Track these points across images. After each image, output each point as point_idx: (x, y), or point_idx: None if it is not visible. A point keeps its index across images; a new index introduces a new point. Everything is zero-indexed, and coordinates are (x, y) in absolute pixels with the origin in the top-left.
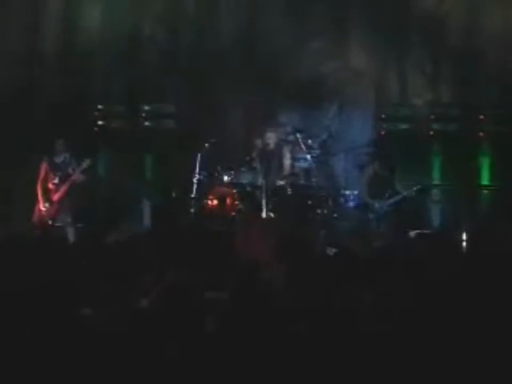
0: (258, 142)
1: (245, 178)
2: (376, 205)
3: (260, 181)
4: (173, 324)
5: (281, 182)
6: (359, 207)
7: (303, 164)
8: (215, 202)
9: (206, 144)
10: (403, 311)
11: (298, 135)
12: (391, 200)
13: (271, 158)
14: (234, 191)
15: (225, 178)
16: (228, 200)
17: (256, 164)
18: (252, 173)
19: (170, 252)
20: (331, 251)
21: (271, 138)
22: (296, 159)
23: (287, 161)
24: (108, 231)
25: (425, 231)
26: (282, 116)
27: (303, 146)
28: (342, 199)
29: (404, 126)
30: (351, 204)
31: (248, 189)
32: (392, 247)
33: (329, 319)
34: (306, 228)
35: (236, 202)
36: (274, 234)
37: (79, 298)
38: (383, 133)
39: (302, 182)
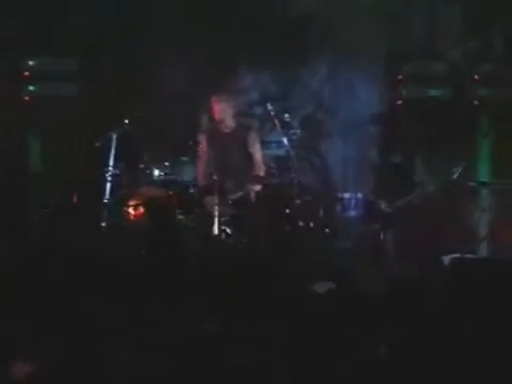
0: (207, 118)
1: (187, 174)
2: (389, 210)
3: (210, 177)
4: None
5: (244, 180)
6: (365, 216)
7: (276, 152)
8: (138, 211)
9: (126, 121)
10: None
11: (269, 107)
12: (406, 199)
13: (227, 143)
14: (170, 192)
15: (156, 173)
16: (159, 208)
17: (205, 152)
18: (192, 166)
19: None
20: (323, 288)
21: (227, 112)
22: (267, 144)
23: (252, 148)
24: None
25: (469, 256)
26: (244, 77)
27: (277, 124)
28: (338, 206)
29: (433, 92)
30: (352, 212)
31: (191, 190)
32: (418, 283)
33: None
34: (283, 251)
35: (172, 211)
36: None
37: None
38: (399, 102)
39: (276, 179)
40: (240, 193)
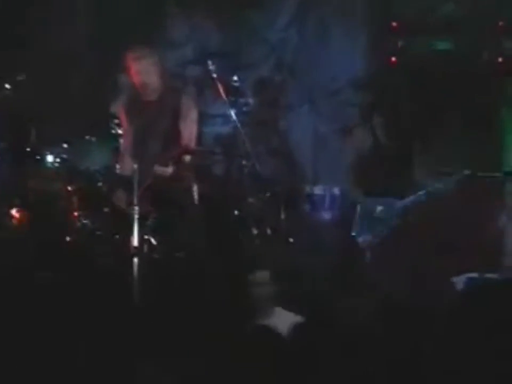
0: (124, 81)
1: (94, 161)
2: (379, 208)
3: (128, 165)
4: None
5: (176, 169)
6: (343, 219)
7: (220, 129)
8: (21, 213)
9: (7, 86)
10: None
11: (210, 66)
12: (409, 200)
13: (151, 116)
14: (70, 187)
15: (49, 159)
16: (52, 209)
17: (121, 128)
18: (108, 148)
19: None
20: (284, 322)
21: (150, 72)
22: (207, 117)
23: (184, 121)
24: None
25: (490, 275)
26: (175, 23)
27: (221, 90)
28: (306, 206)
29: (439, 45)
30: (326, 214)
31: (100, 183)
32: (417, 316)
33: None
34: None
35: (74, 211)
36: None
37: None
38: (392, 60)
39: (220, 168)
40: (170, 187)
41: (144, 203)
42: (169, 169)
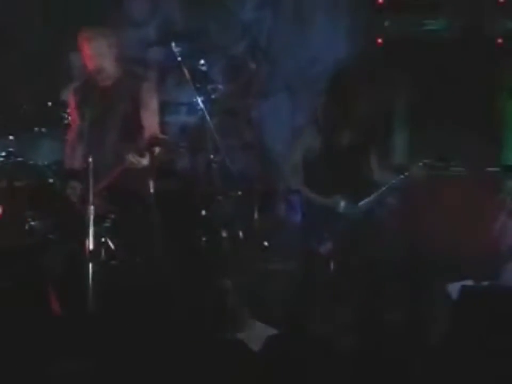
0: (76, 65)
1: (45, 154)
2: (342, 204)
3: (83, 158)
4: None
5: (137, 158)
6: (320, 221)
7: (186, 119)
8: None
9: None
10: None
11: (174, 49)
12: (370, 199)
13: (107, 103)
14: (17, 183)
15: None
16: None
17: (74, 119)
18: (60, 140)
19: None
20: (259, 331)
21: (106, 54)
22: (171, 106)
23: (145, 109)
24: None
25: (487, 283)
26: None
27: (187, 75)
28: (282, 205)
29: (432, 24)
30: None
31: (51, 179)
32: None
33: None
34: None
35: (21, 212)
36: None
37: None
38: (379, 41)
39: (185, 162)
40: (128, 184)
41: (102, 201)
42: (144, 160)
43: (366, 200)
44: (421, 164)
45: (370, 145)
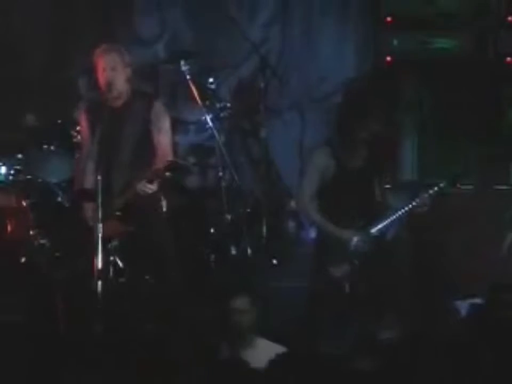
0: (87, 83)
1: (53, 173)
2: (355, 239)
3: (93, 177)
4: None
5: (148, 186)
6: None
7: (196, 138)
8: None
9: None
10: None
11: (183, 67)
12: (383, 224)
13: (118, 122)
14: (25, 201)
15: (3, 170)
16: (7, 224)
17: (84, 137)
18: (69, 159)
19: None
20: (268, 350)
21: (118, 72)
22: (181, 125)
23: (155, 128)
24: None
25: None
26: (144, 18)
27: (196, 93)
28: (291, 223)
29: (440, 43)
30: (313, 232)
31: (60, 197)
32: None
33: None
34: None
35: (30, 229)
36: None
37: None
38: (388, 59)
39: (194, 180)
40: (138, 202)
41: (111, 220)
42: (154, 186)
43: (379, 226)
44: (431, 191)
45: (383, 165)
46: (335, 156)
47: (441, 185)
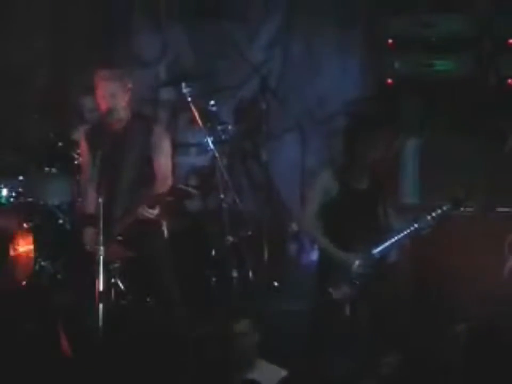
0: (88, 106)
1: (54, 195)
2: (358, 261)
3: (93, 200)
4: None
5: (149, 211)
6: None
7: (196, 160)
8: None
9: None
10: None
11: (184, 89)
12: (384, 246)
13: (118, 145)
14: (26, 224)
15: (3, 192)
16: (8, 247)
17: (85, 159)
18: (70, 181)
19: None
20: (271, 374)
21: (119, 95)
22: (182, 147)
23: (156, 152)
24: None
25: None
26: (145, 39)
27: (197, 115)
28: (292, 245)
29: (441, 65)
30: (314, 255)
31: (61, 220)
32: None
33: None
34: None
35: (31, 252)
36: None
37: None
38: (389, 81)
39: (195, 203)
40: (139, 226)
41: (112, 243)
42: (155, 211)
43: (381, 248)
44: (434, 213)
45: (384, 187)
46: (338, 178)
47: (445, 207)
